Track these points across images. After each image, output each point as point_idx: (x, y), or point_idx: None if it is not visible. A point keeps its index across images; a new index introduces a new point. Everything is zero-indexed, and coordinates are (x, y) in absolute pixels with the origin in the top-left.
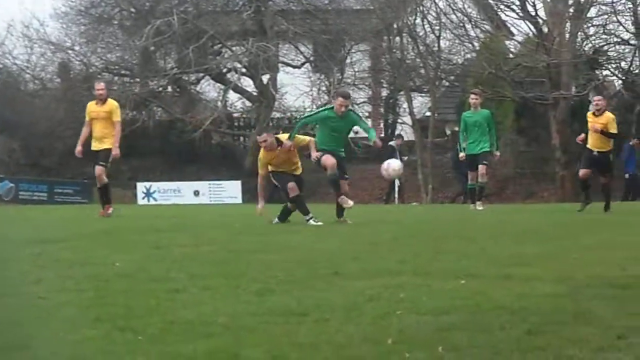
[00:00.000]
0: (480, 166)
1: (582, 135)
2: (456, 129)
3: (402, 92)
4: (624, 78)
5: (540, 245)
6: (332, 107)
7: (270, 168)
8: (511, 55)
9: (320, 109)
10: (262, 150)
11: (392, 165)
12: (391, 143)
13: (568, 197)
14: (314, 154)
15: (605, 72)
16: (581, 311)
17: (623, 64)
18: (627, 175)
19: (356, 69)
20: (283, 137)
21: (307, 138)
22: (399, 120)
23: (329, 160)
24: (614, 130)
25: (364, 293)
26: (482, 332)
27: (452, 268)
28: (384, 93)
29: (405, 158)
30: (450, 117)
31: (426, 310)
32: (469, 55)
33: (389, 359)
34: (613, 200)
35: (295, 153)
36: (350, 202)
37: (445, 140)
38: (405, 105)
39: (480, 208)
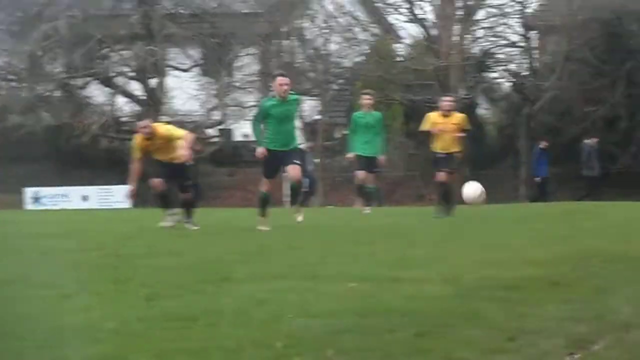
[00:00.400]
0: (371, 173)
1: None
2: (345, 132)
3: None
4: (513, 80)
5: (429, 248)
6: (272, 97)
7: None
8: (400, 59)
9: (261, 103)
10: (138, 136)
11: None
12: (301, 146)
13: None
14: (184, 152)
15: (493, 75)
16: (470, 313)
17: (512, 66)
18: (538, 179)
19: (245, 73)
20: (160, 126)
21: (181, 132)
22: None
23: (264, 185)
24: (468, 126)
25: (253, 297)
26: (371, 335)
27: (342, 271)
28: None
29: (317, 161)
30: (340, 120)
31: (315, 313)
32: (358, 59)
33: None
34: (521, 201)
35: (172, 145)
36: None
37: (335, 143)
38: None
39: (368, 211)
